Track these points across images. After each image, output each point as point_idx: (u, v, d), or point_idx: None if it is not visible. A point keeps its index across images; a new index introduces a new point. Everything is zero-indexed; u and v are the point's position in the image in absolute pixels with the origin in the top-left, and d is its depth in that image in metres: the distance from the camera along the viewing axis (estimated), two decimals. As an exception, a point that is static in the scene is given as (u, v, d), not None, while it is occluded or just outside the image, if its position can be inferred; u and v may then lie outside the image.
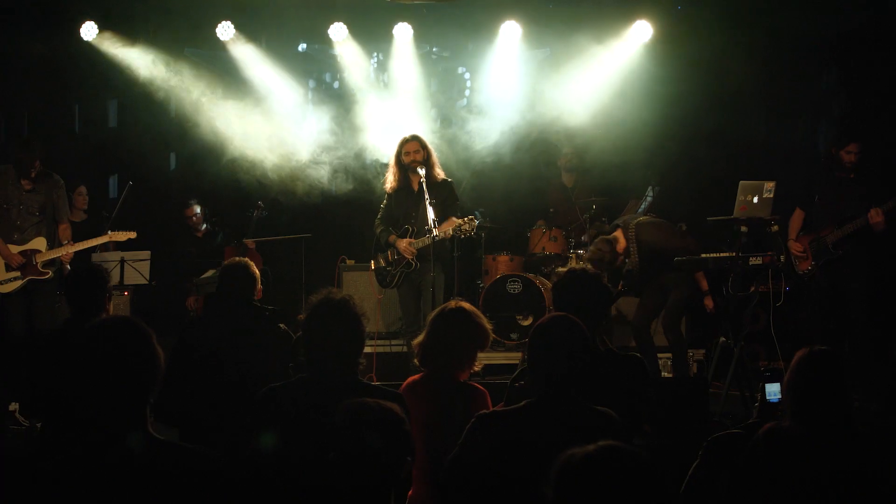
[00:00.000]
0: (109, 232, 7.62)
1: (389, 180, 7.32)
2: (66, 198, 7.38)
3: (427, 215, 6.83)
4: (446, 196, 7.19)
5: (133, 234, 7.71)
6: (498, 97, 9.17)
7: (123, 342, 2.47)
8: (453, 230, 6.89)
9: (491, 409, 3.58)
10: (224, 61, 9.16)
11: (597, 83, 8.86)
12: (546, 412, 3.11)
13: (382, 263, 7.30)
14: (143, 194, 8.84)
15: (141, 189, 8.64)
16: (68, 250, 7.21)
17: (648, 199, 8.41)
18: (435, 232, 6.80)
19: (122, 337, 2.48)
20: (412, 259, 7.11)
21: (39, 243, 7.15)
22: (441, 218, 6.97)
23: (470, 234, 6.93)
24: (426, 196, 6.86)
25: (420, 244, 7.06)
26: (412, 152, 7.18)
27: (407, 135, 7.33)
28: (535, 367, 3.21)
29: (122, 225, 7.88)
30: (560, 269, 7.52)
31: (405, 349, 7.39)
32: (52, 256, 7.15)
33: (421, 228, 7.06)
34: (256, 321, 4.53)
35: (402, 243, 7.13)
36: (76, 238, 7.43)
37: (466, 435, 3.17)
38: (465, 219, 6.96)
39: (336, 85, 9.73)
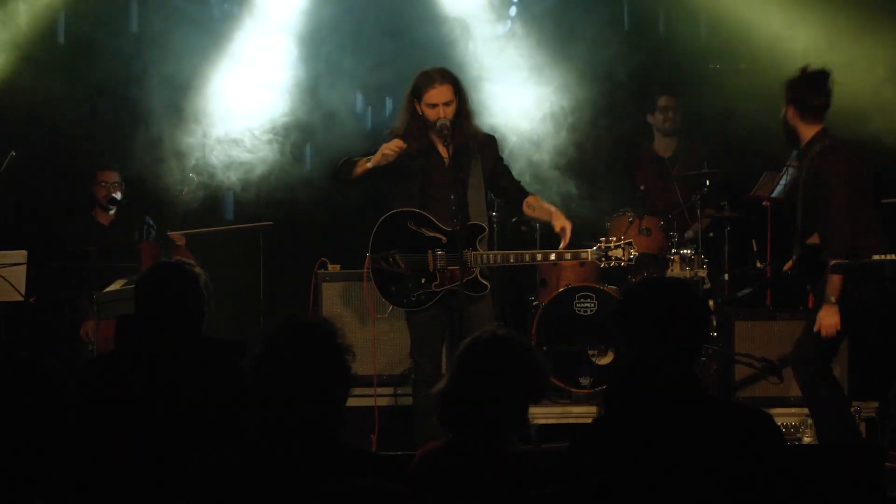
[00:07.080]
0: None
1: (399, 129, 6.78)
2: None
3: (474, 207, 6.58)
4: (493, 167, 6.90)
5: (23, 254, 7.94)
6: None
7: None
8: (595, 255, 6.75)
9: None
10: None
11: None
12: (626, 494, 3.27)
13: (402, 267, 6.75)
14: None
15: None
16: None
17: (791, 170, 8.49)
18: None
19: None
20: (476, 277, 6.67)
21: None
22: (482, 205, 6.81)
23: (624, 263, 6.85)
24: (459, 172, 6.55)
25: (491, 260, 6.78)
26: (441, 105, 6.59)
27: (431, 69, 6.77)
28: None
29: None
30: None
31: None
32: None
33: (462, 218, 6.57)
34: (206, 360, 4.49)
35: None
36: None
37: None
38: (613, 242, 6.81)
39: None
